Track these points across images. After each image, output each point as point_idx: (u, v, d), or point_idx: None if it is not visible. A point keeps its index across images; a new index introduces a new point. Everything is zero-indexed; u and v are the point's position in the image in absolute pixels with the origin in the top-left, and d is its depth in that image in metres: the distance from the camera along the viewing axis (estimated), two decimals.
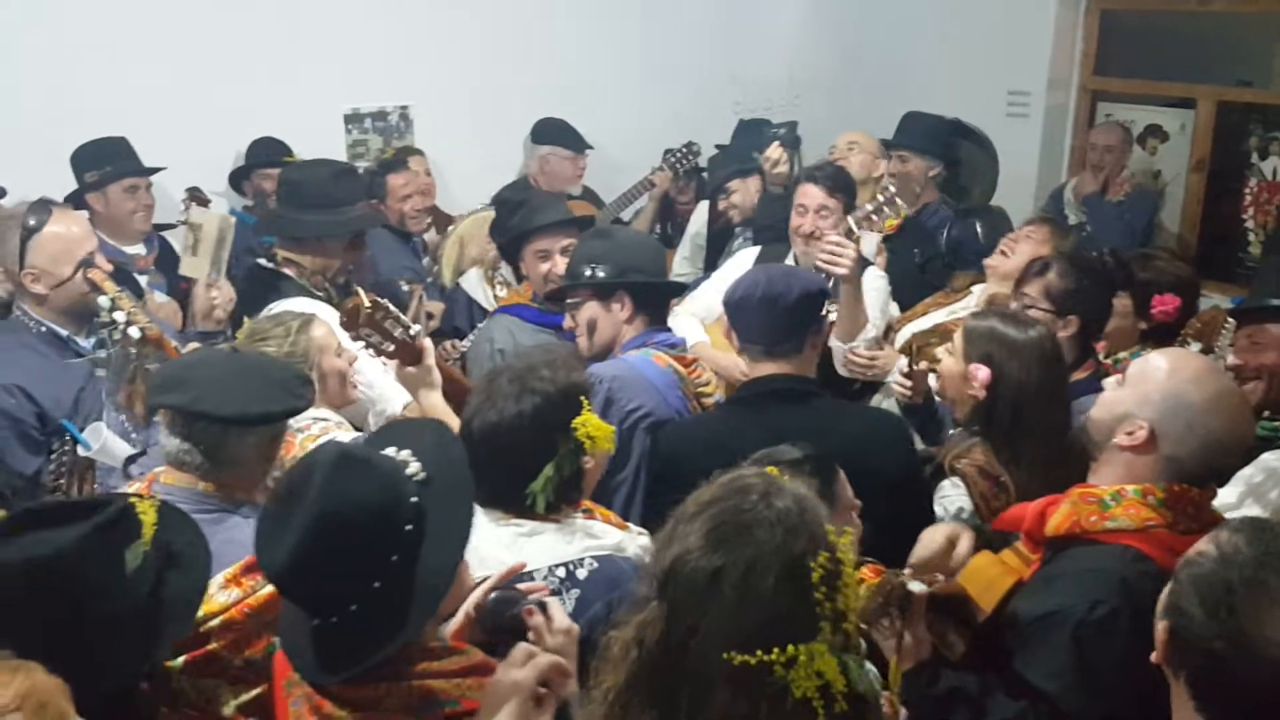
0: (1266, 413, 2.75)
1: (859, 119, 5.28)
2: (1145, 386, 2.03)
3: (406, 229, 4.71)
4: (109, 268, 2.99)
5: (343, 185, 3.66)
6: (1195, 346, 2.94)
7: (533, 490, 2.18)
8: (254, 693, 2.00)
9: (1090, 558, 1.95)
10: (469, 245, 4.65)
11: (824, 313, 2.78)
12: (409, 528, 1.67)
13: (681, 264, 5.24)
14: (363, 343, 2.71)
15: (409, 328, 2.72)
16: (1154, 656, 1.61)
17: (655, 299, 3.10)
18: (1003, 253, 3.71)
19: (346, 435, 2.68)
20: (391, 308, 2.70)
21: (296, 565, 1.62)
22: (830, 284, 3.08)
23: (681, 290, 3.65)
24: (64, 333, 2.95)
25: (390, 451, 1.78)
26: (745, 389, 2.74)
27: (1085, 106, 5.90)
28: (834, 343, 3.34)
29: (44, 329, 2.94)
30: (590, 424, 2.25)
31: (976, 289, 3.85)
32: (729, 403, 2.89)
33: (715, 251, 5.07)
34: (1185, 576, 1.59)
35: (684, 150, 5.44)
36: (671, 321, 3.79)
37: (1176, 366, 2.03)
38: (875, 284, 3.76)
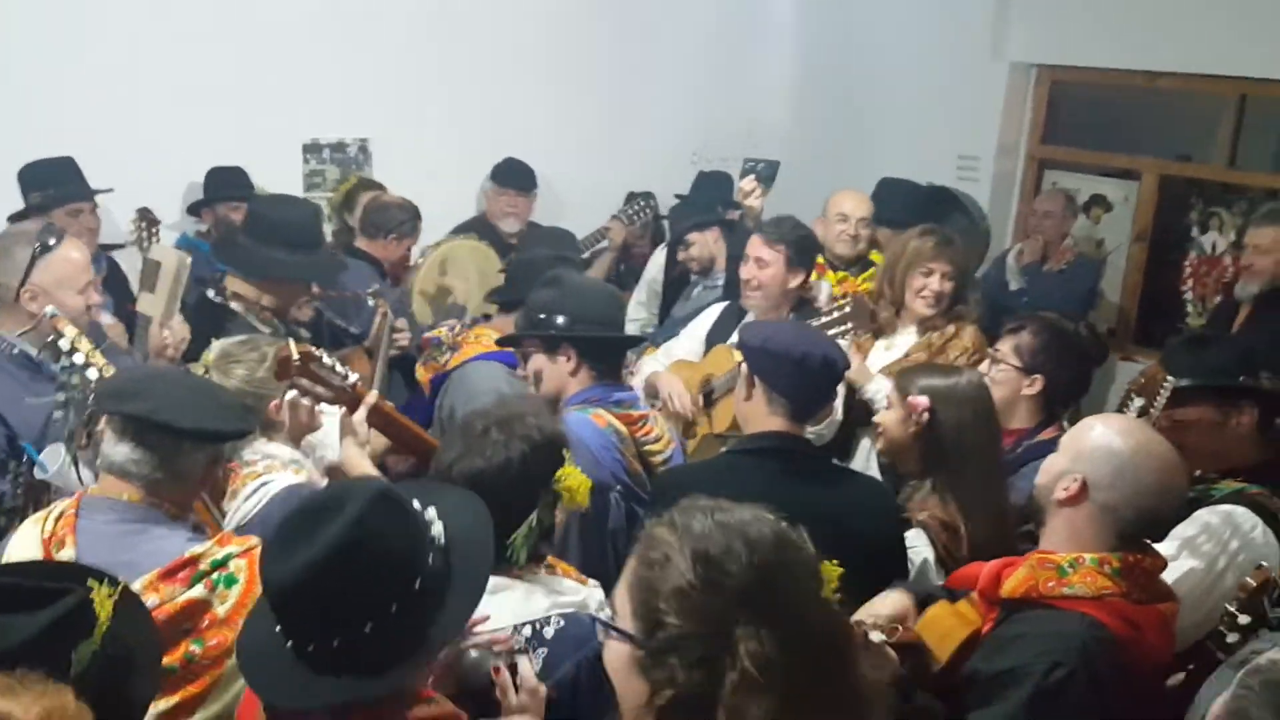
0: (1198, 471, 2.82)
1: (814, 176, 5.37)
2: (1077, 444, 2.13)
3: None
4: (100, 300, 3.09)
5: (311, 228, 3.69)
6: (1138, 402, 3.02)
7: (513, 542, 2.14)
8: (173, 701, 2.02)
9: (1049, 621, 2.00)
10: (451, 273, 4.62)
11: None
12: (419, 586, 1.65)
13: (636, 309, 5.29)
14: (295, 391, 2.66)
15: (345, 375, 2.67)
16: None
17: (605, 351, 3.02)
18: (935, 300, 3.83)
19: (284, 477, 2.64)
20: (325, 357, 2.65)
21: (304, 584, 1.60)
22: None
23: (636, 343, 3.61)
24: (35, 353, 2.93)
25: (416, 506, 1.76)
26: (750, 441, 2.69)
27: (1032, 174, 6.05)
28: None
29: (16, 350, 2.94)
30: (572, 477, 2.22)
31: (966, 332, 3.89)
32: (730, 453, 2.85)
33: (670, 299, 5.12)
34: (1256, 683, 1.55)
35: (641, 204, 5.50)
36: (641, 363, 3.82)
37: (1104, 423, 2.16)
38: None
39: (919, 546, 2.64)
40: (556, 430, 2.27)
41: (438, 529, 1.74)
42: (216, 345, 2.81)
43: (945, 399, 2.77)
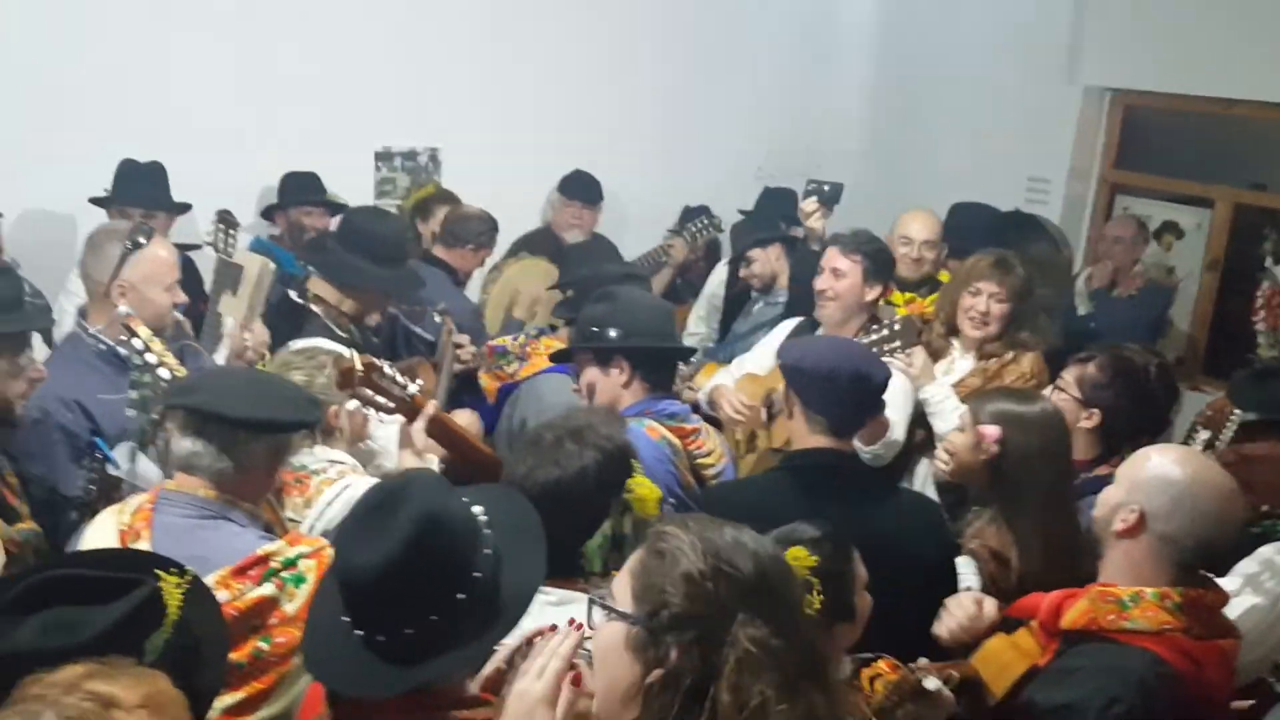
0: (1265, 507, 2.79)
1: (881, 196, 5.35)
2: (1134, 475, 2.12)
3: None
4: (184, 299, 3.19)
5: (400, 244, 3.80)
6: (1203, 434, 2.98)
7: (588, 550, 2.15)
8: (238, 696, 2.05)
9: (1109, 655, 1.98)
10: (521, 292, 4.74)
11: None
12: (478, 575, 1.69)
13: (696, 323, 5.31)
14: (357, 402, 2.71)
15: (406, 386, 2.70)
16: None
17: (657, 364, 3.04)
18: (984, 321, 3.78)
19: (364, 480, 2.69)
20: (386, 368, 2.69)
21: (383, 573, 1.63)
22: None
23: (689, 354, 3.59)
24: (124, 351, 2.98)
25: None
26: (795, 458, 2.71)
27: (1104, 198, 5.98)
28: (856, 444, 3.33)
29: (104, 347, 3.02)
30: (642, 485, 2.24)
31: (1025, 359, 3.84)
32: (776, 470, 2.85)
33: (731, 314, 5.13)
34: None
35: (704, 223, 5.50)
36: (716, 377, 3.83)
37: (1160, 454, 2.14)
38: (896, 383, 3.77)
39: (965, 574, 2.62)
40: (626, 440, 2.30)
41: (483, 518, 1.77)
42: (279, 353, 2.88)
43: (1016, 425, 2.73)
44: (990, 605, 2.22)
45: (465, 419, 3.50)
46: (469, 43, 5.34)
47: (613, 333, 2.98)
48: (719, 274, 5.32)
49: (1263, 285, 5.56)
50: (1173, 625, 1.97)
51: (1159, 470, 2.08)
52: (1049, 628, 2.08)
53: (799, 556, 1.88)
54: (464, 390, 3.91)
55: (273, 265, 3.48)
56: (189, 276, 4.38)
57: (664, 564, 1.50)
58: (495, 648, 1.85)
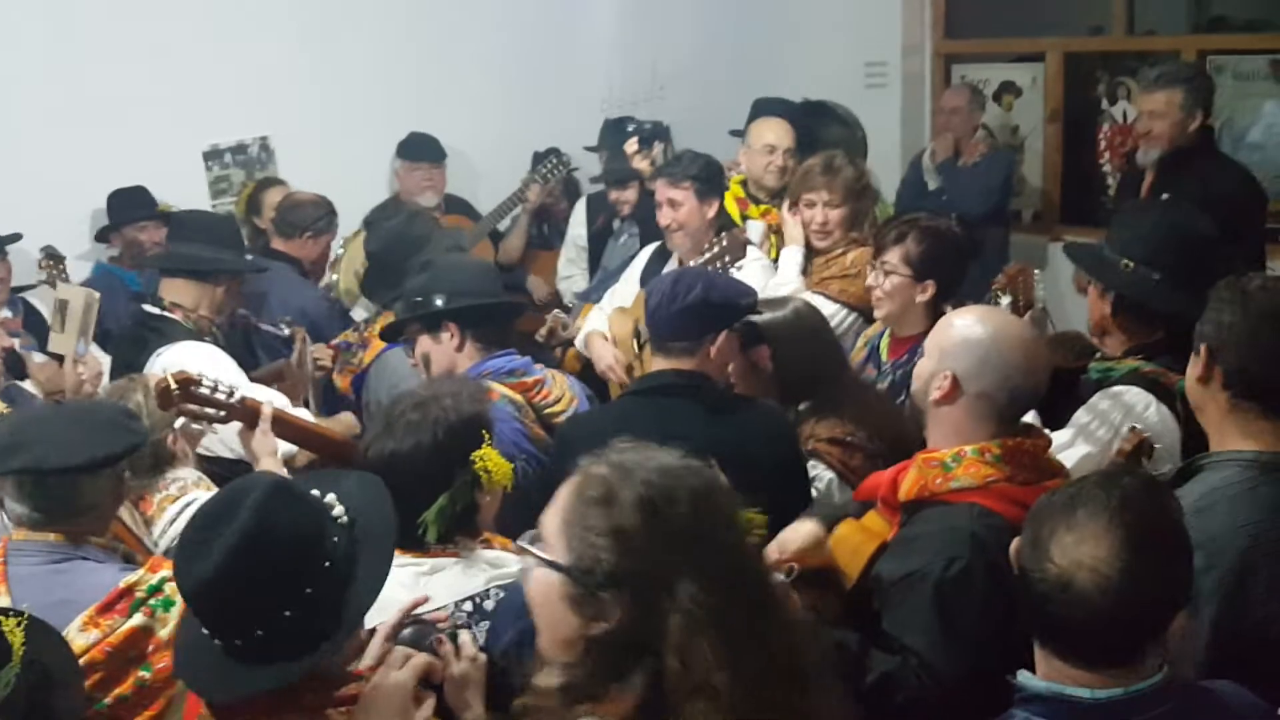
0: (1098, 355, 2.86)
1: (725, 105, 5.36)
2: (940, 343, 2.16)
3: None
4: (9, 342, 3.15)
5: (232, 227, 3.81)
6: (1006, 299, 3.06)
7: (424, 520, 2.15)
8: None
9: (941, 518, 2.04)
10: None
11: (734, 324, 2.78)
12: (328, 564, 1.70)
13: (566, 266, 5.30)
14: (185, 419, 2.67)
15: (232, 393, 2.66)
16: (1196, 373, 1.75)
17: (486, 321, 3.04)
18: (823, 232, 3.80)
19: (205, 493, 2.66)
20: (205, 378, 2.64)
21: (216, 582, 1.64)
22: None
23: (519, 309, 3.54)
24: None
25: (315, 493, 1.80)
26: (638, 383, 2.81)
27: (940, 71, 6.06)
28: None
29: None
30: (490, 458, 2.23)
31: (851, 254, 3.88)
32: (624, 395, 2.93)
33: (597, 253, 5.13)
34: (1024, 528, 1.66)
35: (554, 162, 5.44)
36: (590, 319, 3.86)
37: (960, 317, 2.19)
38: (757, 279, 3.79)
39: (819, 472, 2.71)
40: (476, 411, 2.28)
41: (339, 509, 1.78)
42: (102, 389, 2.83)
43: (784, 335, 2.84)
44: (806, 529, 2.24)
45: (345, 418, 3.50)
46: (284, 22, 5.15)
47: (438, 300, 2.98)
48: (578, 214, 5.30)
49: (1104, 127, 5.71)
50: (996, 476, 2.02)
51: (962, 333, 2.12)
52: (890, 503, 2.14)
53: None
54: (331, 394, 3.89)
55: (97, 295, 3.39)
56: (33, 320, 4.28)
57: (592, 513, 1.46)
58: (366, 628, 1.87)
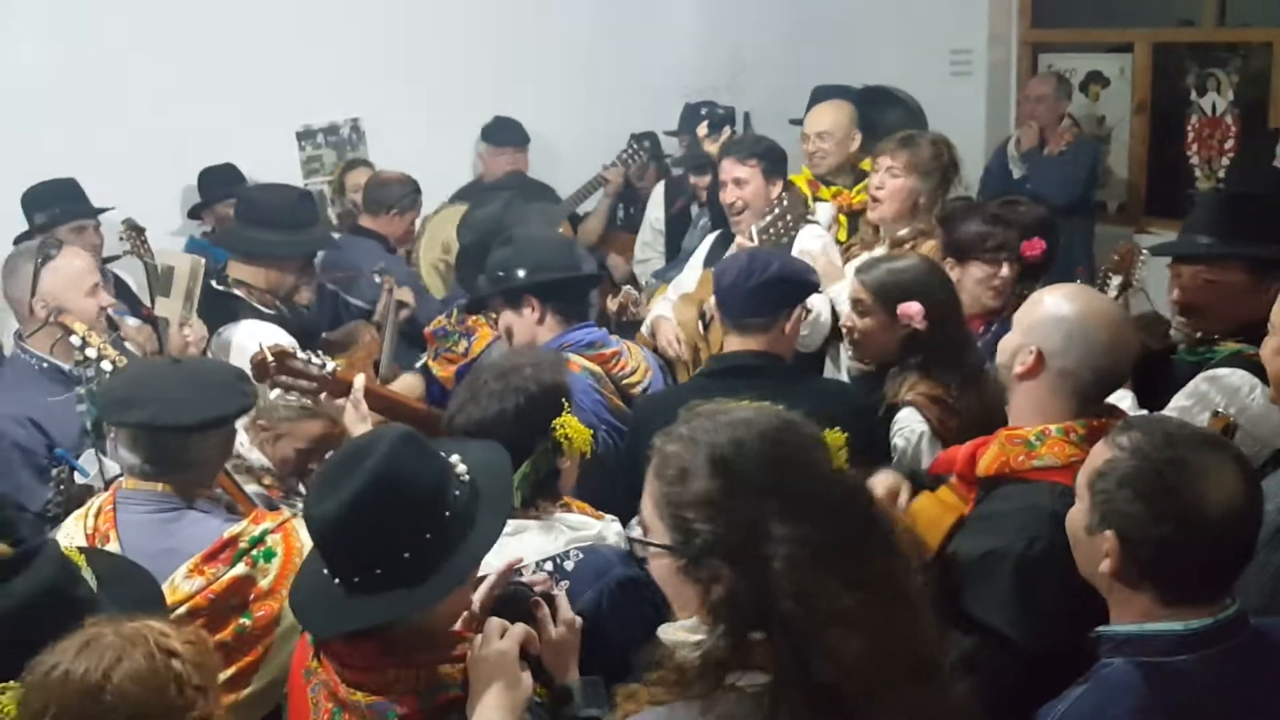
0: (1200, 334, 2.83)
1: (805, 93, 5.35)
2: (1028, 318, 2.16)
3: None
4: (111, 301, 3.19)
5: (301, 208, 3.81)
6: (1116, 280, 3.03)
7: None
8: (229, 673, 2.16)
9: (1023, 495, 2.04)
10: (449, 240, 4.66)
11: (802, 300, 2.85)
12: (448, 514, 1.78)
13: (643, 249, 5.35)
14: (279, 390, 2.75)
15: (324, 365, 2.74)
16: (1105, 568, 1.68)
17: (566, 295, 3.10)
18: (874, 199, 3.70)
19: None
20: (299, 351, 2.73)
21: (344, 519, 1.72)
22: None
23: (596, 281, 3.55)
24: (66, 367, 3.04)
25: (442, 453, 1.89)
26: (713, 362, 2.83)
27: (1027, 60, 6.00)
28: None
29: (46, 364, 3.07)
30: (569, 425, 2.29)
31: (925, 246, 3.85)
32: (697, 376, 2.97)
33: (676, 235, 5.17)
34: (1111, 482, 1.67)
35: (634, 148, 5.53)
36: (656, 306, 3.91)
37: (1050, 294, 2.17)
38: (815, 243, 3.77)
39: (913, 424, 2.71)
40: (556, 381, 2.34)
41: (462, 468, 1.86)
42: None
43: (915, 289, 2.82)
44: (905, 493, 2.27)
45: (408, 382, 3.57)
46: (375, 9, 5.29)
47: (520, 273, 3.04)
48: (656, 197, 5.35)
49: (1192, 119, 5.61)
50: (1080, 456, 1.97)
51: (1050, 310, 2.11)
52: (967, 478, 2.13)
53: None
54: (413, 347, 3.96)
55: (202, 261, 3.51)
56: (122, 290, 4.43)
57: (676, 491, 1.51)
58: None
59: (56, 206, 4.25)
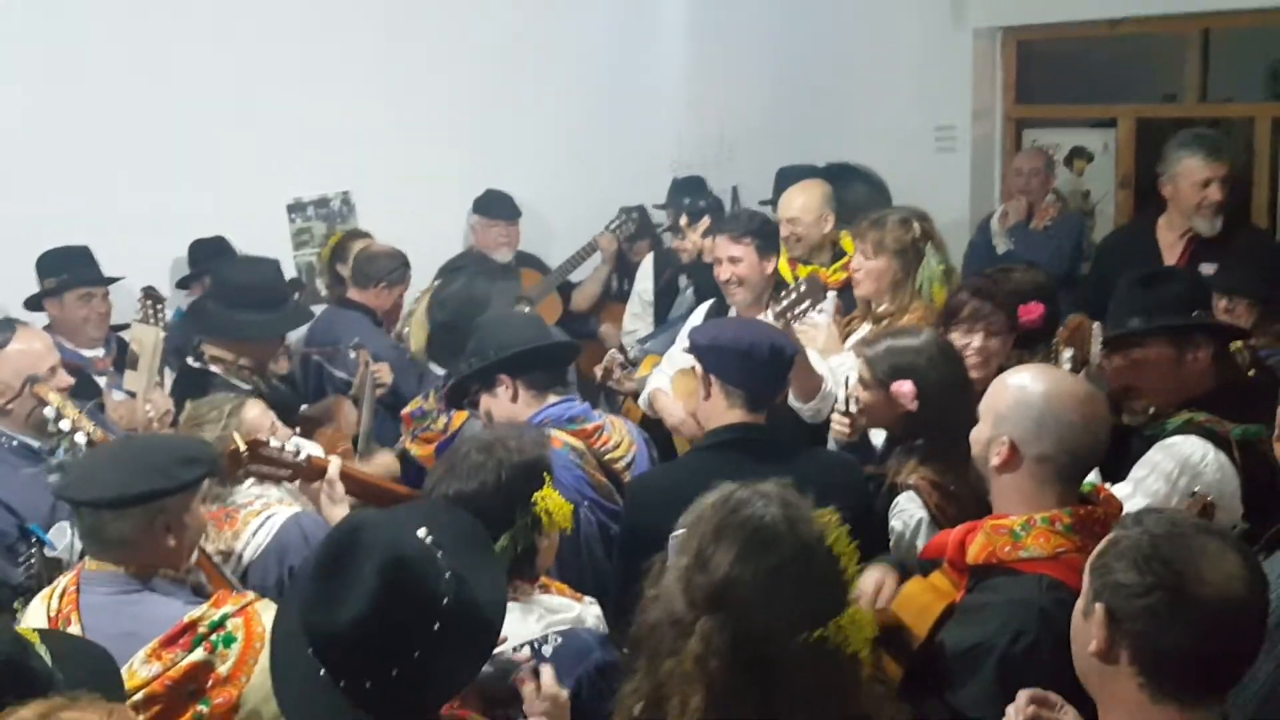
0: (1153, 409, 2.86)
1: (797, 169, 5.41)
2: (995, 406, 2.14)
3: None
4: (70, 382, 3.13)
5: (275, 286, 3.84)
6: (1068, 353, 3.04)
7: None
8: None
9: (1010, 588, 2.02)
10: None
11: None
12: (445, 600, 1.77)
13: (631, 320, 5.37)
14: (252, 479, 2.76)
15: (298, 452, 2.75)
16: (1092, 648, 1.63)
17: (536, 367, 3.08)
18: (855, 280, 3.78)
19: (286, 510, 2.75)
20: (272, 440, 2.73)
21: (360, 627, 1.69)
22: None
23: (570, 350, 3.50)
24: (36, 444, 3.03)
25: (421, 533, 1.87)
26: (713, 436, 2.78)
27: (1010, 135, 6.06)
28: (794, 403, 3.39)
29: (15, 443, 3.05)
30: (550, 499, 2.29)
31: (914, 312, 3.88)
32: (695, 450, 2.92)
33: (664, 306, 5.19)
34: (1110, 556, 1.64)
35: (624, 218, 5.60)
36: (651, 379, 3.91)
37: (1013, 377, 2.16)
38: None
39: (912, 510, 2.68)
40: (537, 455, 2.34)
41: (430, 543, 1.83)
42: (186, 408, 2.94)
43: (917, 368, 2.78)
44: (890, 586, 2.28)
45: (384, 461, 3.55)
46: (365, 83, 5.33)
47: (491, 353, 3.05)
48: (645, 268, 5.39)
49: None
50: (1066, 547, 1.99)
51: (1015, 395, 2.09)
52: (957, 564, 2.12)
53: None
54: (388, 422, 3.94)
55: (162, 334, 3.54)
56: (122, 355, 4.42)
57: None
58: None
59: (65, 272, 4.25)
